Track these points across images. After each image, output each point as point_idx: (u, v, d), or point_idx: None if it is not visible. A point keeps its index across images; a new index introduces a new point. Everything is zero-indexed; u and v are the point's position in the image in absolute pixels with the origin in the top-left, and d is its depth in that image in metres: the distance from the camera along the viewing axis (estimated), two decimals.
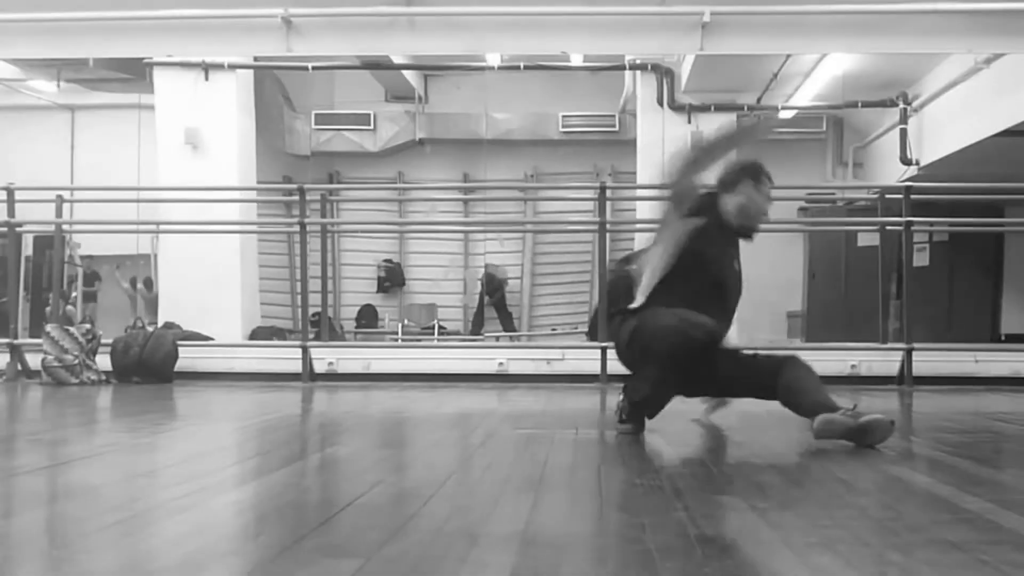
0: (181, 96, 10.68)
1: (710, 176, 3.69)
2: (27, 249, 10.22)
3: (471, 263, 14.41)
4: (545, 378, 6.95)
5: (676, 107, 11.22)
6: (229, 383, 6.71)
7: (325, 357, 7.20)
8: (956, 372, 6.84)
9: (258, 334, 10.57)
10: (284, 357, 7.32)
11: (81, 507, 2.15)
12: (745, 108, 11.64)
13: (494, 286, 13.68)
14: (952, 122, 10.03)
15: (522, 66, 12.11)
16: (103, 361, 6.79)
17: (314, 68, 11.77)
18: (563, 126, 13.60)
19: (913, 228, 7.10)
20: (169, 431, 3.94)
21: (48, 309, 9.68)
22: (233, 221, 9.31)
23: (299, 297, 10.18)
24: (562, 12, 7.24)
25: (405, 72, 12.93)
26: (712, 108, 11.20)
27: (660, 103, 11.23)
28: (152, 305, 11.66)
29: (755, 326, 11.35)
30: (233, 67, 10.72)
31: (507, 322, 13.86)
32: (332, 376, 7.09)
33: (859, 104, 11.59)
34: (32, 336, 7.84)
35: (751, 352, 3.72)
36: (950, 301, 11.69)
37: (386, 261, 14.40)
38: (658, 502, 2.19)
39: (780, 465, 3.01)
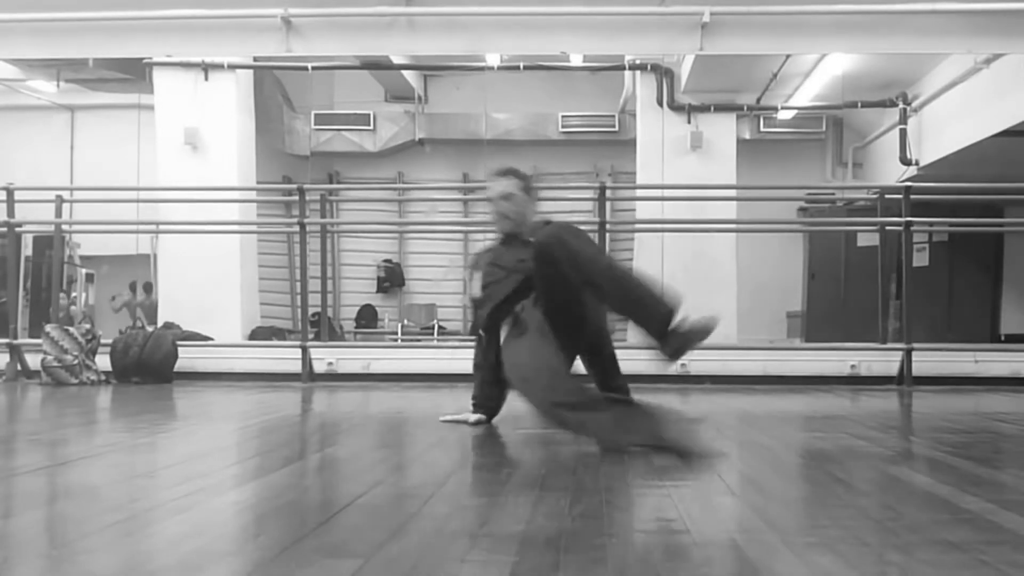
0: (181, 96, 10.69)
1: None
2: (27, 249, 10.22)
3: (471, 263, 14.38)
4: None
5: (676, 107, 11.21)
6: (229, 383, 6.71)
7: (325, 357, 7.20)
8: (956, 372, 6.84)
9: (258, 334, 10.57)
10: (284, 357, 7.32)
11: (81, 507, 2.14)
12: (745, 108, 11.65)
13: None
14: (951, 122, 10.04)
15: (522, 66, 12.11)
16: (103, 361, 6.80)
17: (314, 68, 11.77)
18: (563, 126, 13.59)
19: (913, 228, 7.10)
20: (169, 431, 3.93)
21: (50, 309, 9.68)
22: (233, 221, 9.31)
23: (299, 297, 10.18)
24: (562, 12, 7.24)
25: (405, 72, 12.93)
26: (712, 108, 11.20)
27: (660, 103, 11.21)
28: (152, 311, 11.62)
29: (755, 326, 11.38)
30: (233, 67, 10.73)
31: None
32: (332, 376, 7.09)
33: (859, 104, 11.60)
34: (32, 336, 7.84)
35: None
36: (950, 301, 11.70)
37: (386, 261, 14.40)
38: (658, 502, 2.19)
39: (780, 465, 3.01)
